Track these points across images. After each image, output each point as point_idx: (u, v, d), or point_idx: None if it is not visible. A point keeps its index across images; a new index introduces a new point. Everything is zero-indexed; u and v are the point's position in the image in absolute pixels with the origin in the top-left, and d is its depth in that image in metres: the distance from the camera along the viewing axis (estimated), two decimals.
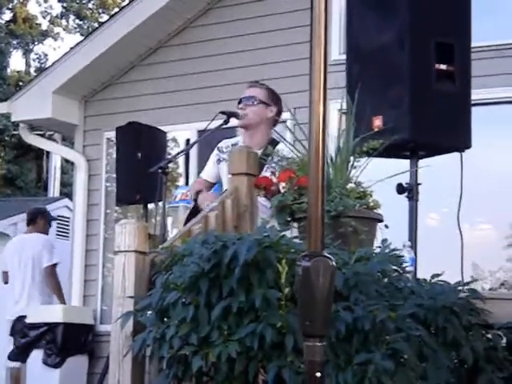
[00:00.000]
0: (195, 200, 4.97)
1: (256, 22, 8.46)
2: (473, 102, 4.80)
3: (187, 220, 4.90)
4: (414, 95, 4.58)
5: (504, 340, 3.81)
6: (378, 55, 4.72)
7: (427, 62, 4.61)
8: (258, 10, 8.48)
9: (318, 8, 2.42)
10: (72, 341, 8.61)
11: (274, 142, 4.94)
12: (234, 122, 5.08)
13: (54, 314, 8.62)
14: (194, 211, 4.84)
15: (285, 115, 5.24)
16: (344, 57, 5.00)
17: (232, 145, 5.04)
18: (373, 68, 4.74)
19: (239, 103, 5.04)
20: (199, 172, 5.77)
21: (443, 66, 4.66)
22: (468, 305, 3.73)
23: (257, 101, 4.98)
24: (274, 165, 4.39)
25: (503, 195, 7.81)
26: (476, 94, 4.93)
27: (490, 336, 3.80)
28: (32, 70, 26.70)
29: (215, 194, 4.96)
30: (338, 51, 7.63)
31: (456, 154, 4.79)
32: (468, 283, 3.89)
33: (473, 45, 4.82)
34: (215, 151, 5.15)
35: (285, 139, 4.76)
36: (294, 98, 6.66)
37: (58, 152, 11.07)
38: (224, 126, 5.03)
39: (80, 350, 8.71)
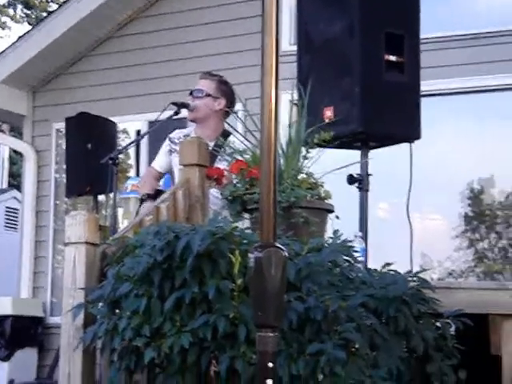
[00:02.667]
0: (141, 202, 4.92)
1: (209, 12, 8.43)
2: (422, 93, 4.84)
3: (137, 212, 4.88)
4: (365, 86, 4.60)
5: (453, 328, 3.85)
6: (328, 46, 4.73)
7: (377, 52, 4.63)
8: (209, 0, 8.46)
9: None
10: (21, 333, 8.54)
11: (225, 134, 4.94)
12: (185, 112, 5.07)
13: (2, 306, 8.54)
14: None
15: (237, 106, 5.23)
16: (295, 48, 5.00)
17: (184, 136, 5.03)
18: (323, 59, 4.75)
19: (190, 95, 5.04)
20: (150, 163, 5.74)
21: (393, 57, 4.69)
22: (418, 294, 3.76)
23: (204, 93, 4.98)
24: (227, 157, 4.39)
25: (452, 186, 7.91)
26: (426, 85, 4.97)
27: (439, 325, 3.85)
28: None
29: (164, 187, 4.95)
30: (288, 42, 7.65)
31: (406, 145, 4.83)
32: (418, 273, 3.93)
33: (422, 36, 4.86)
34: (167, 141, 5.13)
35: (236, 130, 4.76)
36: (245, 88, 6.65)
37: (6, 143, 10.97)
38: (175, 117, 5.01)
39: (29, 343, 8.64)
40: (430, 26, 5.29)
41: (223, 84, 5.07)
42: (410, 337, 3.64)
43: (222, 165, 4.56)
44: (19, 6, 28.13)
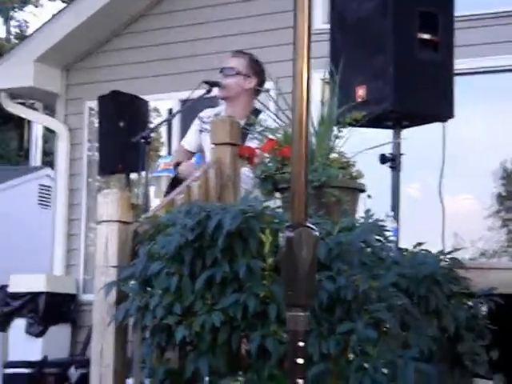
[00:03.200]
0: (175, 170, 4.95)
1: None
2: (456, 72, 4.80)
3: (167, 190, 4.89)
4: (397, 65, 4.57)
5: (485, 308, 3.84)
6: (361, 24, 4.71)
7: (410, 31, 4.59)
8: None
9: None
10: (54, 310, 8.62)
11: (256, 112, 4.93)
12: (216, 91, 5.07)
13: (36, 283, 8.62)
14: (174, 182, 4.82)
15: (268, 84, 5.22)
16: (327, 26, 4.98)
17: (214, 115, 5.02)
18: (356, 37, 4.72)
19: (220, 72, 5.04)
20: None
21: (426, 36, 4.65)
22: (450, 273, 3.75)
23: (235, 72, 4.97)
24: (258, 135, 4.38)
25: (485, 166, 7.85)
26: (459, 64, 4.93)
27: (471, 304, 3.83)
28: (13, 37, 26.47)
29: (195, 164, 4.96)
30: (321, 20, 7.60)
31: (438, 124, 4.80)
32: (449, 252, 3.91)
33: (456, 14, 4.81)
34: (196, 121, 5.13)
35: (268, 109, 4.75)
36: (277, 67, 6.62)
37: (39, 121, 11.02)
38: (206, 96, 5.01)
39: (63, 320, 8.73)
40: (464, 4, 5.23)
41: (254, 62, 5.06)
42: (441, 316, 3.63)
43: (252, 143, 4.56)
44: None
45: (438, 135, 4.78)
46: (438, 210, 4.77)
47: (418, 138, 4.89)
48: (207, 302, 3.30)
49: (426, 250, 3.83)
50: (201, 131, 5.06)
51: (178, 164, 4.96)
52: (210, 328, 3.25)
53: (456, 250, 4.01)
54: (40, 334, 8.56)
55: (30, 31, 18.64)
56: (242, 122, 4.66)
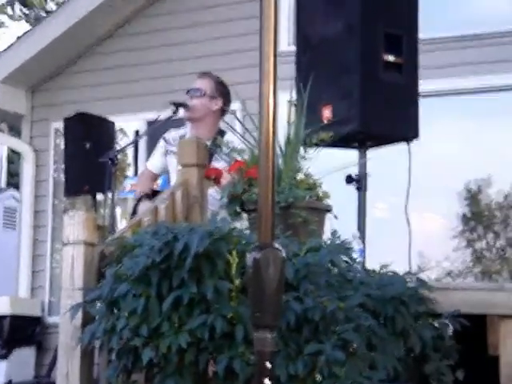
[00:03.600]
0: (137, 201, 4.91)
1: (207, 12, 8.44)
2: (420, 93, 4.84)
3: (133, 212, 4.87)
4: (363, 86, 4.60)
5: (451, 328, 3.86)
6: (327, 45, 4.74)
7: (376, 52, 4.63)
8: (209, 0, 8.47)
9: None
10: (19, 332, 8.54)
11: (221, 133, 4.94)
12: (182, 112, 5.07)
13: (0, 305, 8.54)
14: (134, 213, 4.80)
15: (234, 105, 5.24)
16: (293, 48, 5.01)
17: (180, 136, 5.02)
18: (322, 58, 4.75)
19: (186, 93, 5.04)
20: None
21: (391, 58, 4.69)
22: (416, 294, 3.77)
23: (201, 93, 4.98)
24: (224, 156, 4.39)
25: (450, 186, 7.92)
26: (423, 85, 4.97)
27: (437, 325, 3.85)
28: None
29: (161, 188, 4.95)
30: (287, 42, 7.65)
31: (404, 145, 4.84)
32: (416, 273, 3.93)
33: (421, 37, 4.86)
34: (161, 142, 5.12)
35: (234, 130, 4.76)
36: (244, 88, 6.65)
37: (4, 142, 10.97)
38: (173, 117, 5.01)
39: (27, 342, 8.65)
40: (428, 27, 5.29)
41: (220, 84, 5.07)
42: (407, 337, 3.64)
43: (218, 164, 4.56)
44: (17, 5, 28.13)
45: (404, 155, 4.82)
46: (404, 230, 4.79)
47: (383, 159, 4.92)
48: (174, 323, 3.29)
49: (392, 271, 3.85)
50: (166, 153, 5.05)
51: (143, 195, 4.89)
52: (177, 349, 3.24)
53: (422, 270, 4.04)
54: (4, 357, 8.47)
55: None
56: (208, 143, 4.67)
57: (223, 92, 5.05)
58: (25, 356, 8.64)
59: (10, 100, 9.07)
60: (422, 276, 3.95)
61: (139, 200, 4.87)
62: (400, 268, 3.98)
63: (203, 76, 5.12)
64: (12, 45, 9.05)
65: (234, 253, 3.29)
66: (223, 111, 5.04)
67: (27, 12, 27.95)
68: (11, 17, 28.03)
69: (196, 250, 3.23)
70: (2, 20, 27.83)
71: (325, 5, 4.82)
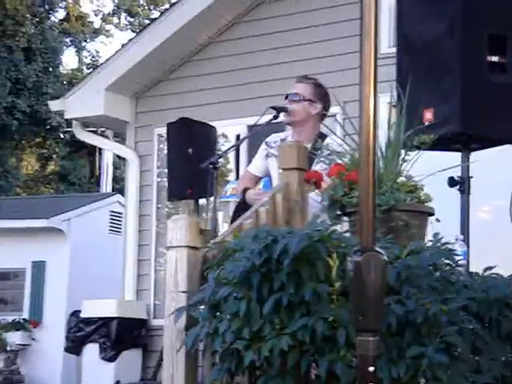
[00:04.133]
0: (243, 196, 4.98)
1: (306, 16, 8.46)
2: None
3: (234, 215, 4.91)
4: (466, 87, 4.54)
5: None
6: (428, 47, 4.69)
7: (479, 53, 4.56)
8: (308, 4, 8.48)
9: (367, 0, 2.42)
10: (126, 335, 8.72)
11: (322, 136, 4.93)
12: (283, 117, 5.09)
13: (108, 308, 8.73)
14: (241, 206, 4.84)
15: (334, 109, 5.22)
16: (394, 50, 4.97)
17: (281, 140, 5.04)
18: (423, 60, 4.71)
19: (285, 98, 5.05)
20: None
21: (495, 58, 4.61)
22: None
23: (301, 98, 4.98)
24: (324, 159, 4.38)
25: None
26: None
27: None
28: (84, 67, 26.99)
29: (263, 190, 4.97)
30: (387, 44, 7.60)
31: (508, 146, 4.74)
32: None
33: None
34: (263, 146, 5.15)
35: (334, 133, 4.75)
36: (343, 91, 6.64)
37: (110, 148, 11.21)
38: (274, 121, 5.03)
39: (134, 344, 8.82)
40: None
41: (318, 87, 5.07)
42: None
43: (319, 167, 4.56)
44: (123, 14, 28.74)
45: (508, 157, 4.73)
46: (509, 232, 4.70)
47: (487, 160, 4.83)
48: (275, 326, 3.30)
49: (496, 274, 3.78)
50: (267, 156, 5.08)
51: (245, 190, 4.99)
52: (279, 352, 3.25)
53: None
54: (112, 359, 8.66)
55: (101, 61, 18.98)
56: (308, 147, 4.67)
57: (322, 95, 5.05)
58: (132, 358, 8.81)
59: (114, 107, 9.26)
60: None
61: (240, 204, 4.91)
62: (506, 272, 3.90)
63: (301, 80, 5.13)
64: (116, 53, 9.25)
65: (334, 255, 3.29)
66: (323, 115, 5.03)
67: (132, 21, 28.53)
68: (117, 26, 28.66)
69: (294, 252, 3.23)
70: (108, 29, 28.48)
71: (425, 6, 4.77)
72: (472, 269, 4.12)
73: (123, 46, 9.28)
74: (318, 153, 4.53)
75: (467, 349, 3.32)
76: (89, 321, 8.73)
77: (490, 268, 3.81)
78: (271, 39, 8.64)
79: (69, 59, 44.36)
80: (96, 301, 8.99)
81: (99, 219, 13.78)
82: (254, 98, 8.39)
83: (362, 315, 2.36)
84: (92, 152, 23.06)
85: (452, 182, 4.67)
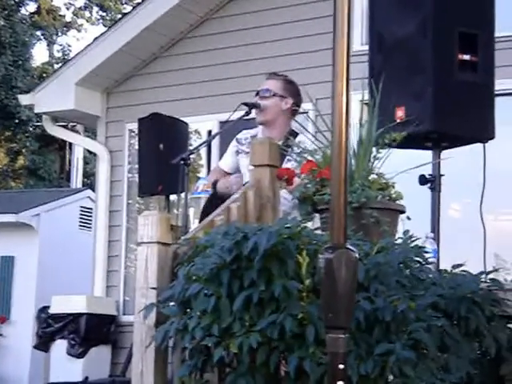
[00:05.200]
0: (214, 188, 4.97)
1: (278, 13, 8.45)
2: (496, 93, 4.77)
3: (204, 209, 4.90)
4: (437, 86, 4.56)
5: None
6: (400, 45, 4.70)
7: (450, 52, 4.58)
8: (280, 0, 8.48)
9: None
10: (95, 331, 8.67)
11: (293, 134, 4.93)
12: (254, 113, 5.08)
13: (77, 304, 8.68)
14: (212, 201, 4.84)
15: (306, 106, 5.22)
16: (366, 48, 4.98)
17: (251, 136, 5.04)
18: (395, 58, 4.72)
19: (256, 95, 5.05)
20: None
21: (466, 57, 4.63)
22: (490, 295, 3.71)
23: (271, 93, 4.98)
24: (295, 156, 4.38)
25: None
26: (500, 85, 4.90)
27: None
28: (55, 61, 26.82)
29: (235, 177, 4.97)
30: (360, 42, 7.61)
31: (479, 145, 4.77)
32: (489, 273, 3.87)
33: (497, 35, 4.79)
34: (234, 142, 5.14)
35: (306, 130, 4.75)
36: (316, 88, 6.64)
37: (80, 143, 11.13)
38: (245, 118, 5.03)
39: (103, 341, 8.77)
40: (504, 24, 5.20)
41: (289, 83, 5.06)
42: (481, 338, 3.59)
43: (290, 165, 4.55)
44: (95, 9, 28.58)
45: (478, 155, 4.75)
46: (478, 230, 4.73)
47: (457, 159, 4.85)
48: (245, 323, 3.30)
49: (465, 271, 3.80)
50: (237, 153, 5.07)
51: (215, 182, 4.98)
52: (248, 349, 3.24)
53: (495, 270, 3.97)
54: (81, 355, 8.61)
55: (72, 55, 18.88)
56: (280, 143, 4.66)
57: (293, 91, 5.04)
58: (101, 354, 8.77)
59: (85, 102, 9.21)
60: (498, 277, 3.89)
61: (212, 187, 4.92)
62: (475, 269, 3.92)
63: (272, 76, 5.12)
64: (87, 47, 9.19)
65: (304, 253, 3.29)
66: (294, 111, 5.03)
67: (104, 15, 28.38)
68: (88, 20, 28.50)
69: (264, 249, 3.23)
70: (80, 23, 28.31)
71: (398, 4, 4.79)
72: (442, 266, 4.14)
73: (94, 40, 9.21)
74: (288, 150, 4.52)
75: (435, 346, 3.33)
76: (58, 317, 8.67)
77: (459, 265, 3.83)
78: (243, 35, 8.62)
79: (39, 53, 44.08)
80: (65, 296, 8.93)
81: (69, 214, 13.69)
82: (225, 94, 8.37)
83: (333, 312, 2.36)
84: (62, 147, 22.93)
85: (423, 180, 4.69)
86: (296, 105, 5.00)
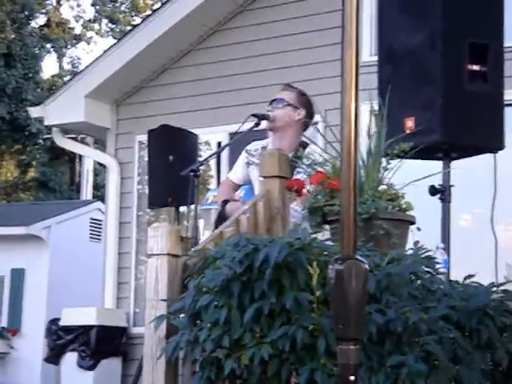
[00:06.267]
0: (223, 206, 4.95)
1: (287, 24, 8.47)
2: (506, 103, 4.77)
3: (215, 225, 4.89)
4: (447, 96, 4.56)
5: None
6: (409, 56, 4.70)
7: (460, 62, 4.58)
8: (289, 12, 8.50)
9: (349, 9, 2.42)
10: (106, 343, 8.67)
11: (303, 145, 4.93)
12: (265, 124, 5.08)
13: (87, 316, 8.68)
14: (221, 217, 4.82)
15: (316, 117, 5.22)
16: (375, 58, 4.98)
17: (262, 147, 5.04)
18: (405, 69, 4.72)
19: (269, 105, 5.05)
20: None
21: (476, 67, 4.63)
22: (502, 306, 3.69)
23: (285, 103, 4.98)
24: (305, 168, 4.38)
25: None
26: (509, 95, 4.89)
27: None
28: (65, 73, 26.91)
29: (244, 198, 4.96)
30: (369, 53, 7.62)
31: (489, 155, 4.76)
32: (501, 284, 3.86)
33: (506, 45, 4.79)
34: (244, 153, 5.14)
35: (315, 143, 4.75)
36: (324, 99, 6.65)
37: (90, 155, 11.17)
38: (255, 129, 5.03)
39: (113, 353, 8.77)
40: None
41: (303, 96, 5.07)
42: (493, 350, 3.57)
43: (300, 176, 4.55)
44: (104, 21, 28.69)
45: (489, 165, 4.74)
46: (489, 241, 4.72)
47: (468, 169, 4.85)
48: (256, 334, 3.29)
49: (476, 283, 3.79)
50: (248, 164, 5.07)
51: (225, 202, 4.95)
52: (259, 361, 3.24)
53: (509, 281, 3.95)
54: (91, 368, 8.60)
55: (81, 68, 18.95)
56: (290, 155, 4.66)
57: (306, 103, 5.05)
58: (111, 367, 8.76)
59: (95, 114, 9.23)
60: (509, 287, 3.87)
61: (220, 208, 4.89)
62: (486, 280, 3.91)
63: (286, 88, 5.13)
64: (97, 59, 9.22)
65: (315, 264, 3.28)
66: (306, 124, 5.03)
67: (113, 27, 28.48)
68: (98, 33, 28.61)
69: (275, 261, 3.23)
70: (89, 36, 28.42)
71: (407, 15, 4.79)
72: (452, 277, 4.13)
73: (104, 52, 9.24)
74: (299, 161, 4.52)
75: (447, 358, 3.31)
76: (68, 329, 8.67)
77: (470, 276, 3.82)
78: (252, 47, 8.64)
79: (49, 66, 44.28)
80: (75, 309, 8.94)
81: (79, 226, 13.73)
82: (235, 106, 8.38)
83: (343, 324, 2.35)
84: (72, 159, 22.99)
85: (433, 191, 4.69)
86: (308, 117, 5.01)
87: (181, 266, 3.86)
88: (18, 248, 13.12)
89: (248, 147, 5.14)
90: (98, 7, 28.23)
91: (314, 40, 8.23)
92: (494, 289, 3.78)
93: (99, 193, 18.93)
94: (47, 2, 27.08)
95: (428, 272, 3.63)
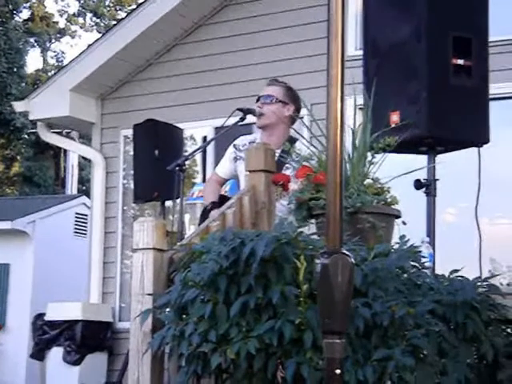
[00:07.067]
0: (211, 206, 4.89)
1: (273, 18, 8.46)
2: (491, 97, 4.78)
3: (199, 223, 4.87)
4: (431, 90, 4.56)
5: None
6: (395, 50, 4.70)
7: (444, 56, 4.59)
8: (274, 6, 8.49)
9: (334, 3, 2.42)
10: (91, 338, 8.65)
11: (292, 140, 4.93)
12: (251, 119, 5.08)
13: (72, 311, 8.66)
14: (205, 217, 4.79)
15: (302, 111, 5.23)
16: (360, 52, 4.98)
17: (249, 142, 5.03)
18: (390, 63, 4.72)
19: (257, 101, 5.04)
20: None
21: (460, 61, 4.64)
22: (487, 300, 3.71)
23: (274, 99, 4.97)
24: (293, 163, 4.37)
25: None
26: (494, 89, 4.91)
27: (510, 331, 3.79)
28: (49, 68, 26.81)
29: (230, 193, 4.94)
30: (354, 47, 7.62)
31: (474, 149, 4.77)
32: (487, 278, 3.88)
33: (490, 39, 4.80)
34: (231, 148, 5.13)
35: (302, 136, 4.75)
36: (310, 93, 6.65)
37: (75, 150, 11.12)
38: (241, 123, 5.02)
39: (99, 348, 8.75)
40: (498, 29, 5.21)
41: (290, 90, 5.07)
42: (479, 343, 3.59)
43: (289, 172, 4.55)
44: (88, 15, 28.60)
45: (474, 159, 4.75)
46: (474, 235, 4.73)
47: (453, 163, 4.86)
48: (242, 328, 3.29)
49: (462, 277, 3.80)
50: (236, 159, 5.06)
51: (213, 204, 4.87)
52: (246, 355, 3.24)
53: (493, 275, 3.97)
54: (77, 362, 8.58)
55: (66, 62, 18.89)
56: (278, 151, 4.66)
57: (294, 98, 5.04)
58: (97, 361, 8.75)
59: (80, 108, 9.20)
60: (494, 281, 3.89)
61: (207, 209, 4.86)
62: (471, 274, 3.92)
63: (272, 83, 5.12)
64: (81, 54, 9.18)
65: (302, 258, 3.28)
66: (293, 119, 5.02)
67: (98, 21, 28.39)
68: (82, 27, 28.51)
69: (262, 255, 3.23)
70: (74, 30, 28.32)
71: (392, 9, 4.79)
72: (438, 271, 4.14)
73: (89, 46, 9.21)
74: (287, 157, 4.52)
75: (433, 351, 3.33)
76: (53, 324, 8.65)
77: (456, 271, 3.83)
78: (238, 41, 8.63)
79: (33, 60, 44.09)
80: (61, 303, 8.91)
81: (64, 221, 13.68)
82: (220, 100, 8.37)
83: (329, 317, 2.36)
84: (57, 153, 22.93)
85: (418, 185, 4.70)
86: (296, 111, 5.01)
87: (167, 260, 3.85)
88: (3, 243, 13.07)
89: (236, 142, 5.13)
90: (82, 1, 28.14)
91: (301, 34, 8.23)
92: (479, 283, 3.79)
93: (84, 187, 18.89)
94: None
95: (414, 266, 3.64)
